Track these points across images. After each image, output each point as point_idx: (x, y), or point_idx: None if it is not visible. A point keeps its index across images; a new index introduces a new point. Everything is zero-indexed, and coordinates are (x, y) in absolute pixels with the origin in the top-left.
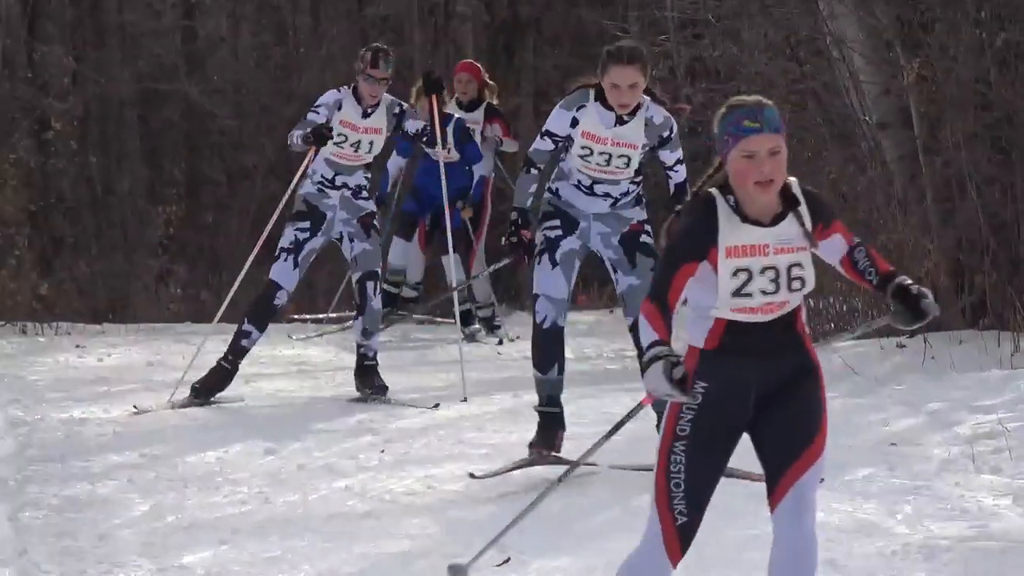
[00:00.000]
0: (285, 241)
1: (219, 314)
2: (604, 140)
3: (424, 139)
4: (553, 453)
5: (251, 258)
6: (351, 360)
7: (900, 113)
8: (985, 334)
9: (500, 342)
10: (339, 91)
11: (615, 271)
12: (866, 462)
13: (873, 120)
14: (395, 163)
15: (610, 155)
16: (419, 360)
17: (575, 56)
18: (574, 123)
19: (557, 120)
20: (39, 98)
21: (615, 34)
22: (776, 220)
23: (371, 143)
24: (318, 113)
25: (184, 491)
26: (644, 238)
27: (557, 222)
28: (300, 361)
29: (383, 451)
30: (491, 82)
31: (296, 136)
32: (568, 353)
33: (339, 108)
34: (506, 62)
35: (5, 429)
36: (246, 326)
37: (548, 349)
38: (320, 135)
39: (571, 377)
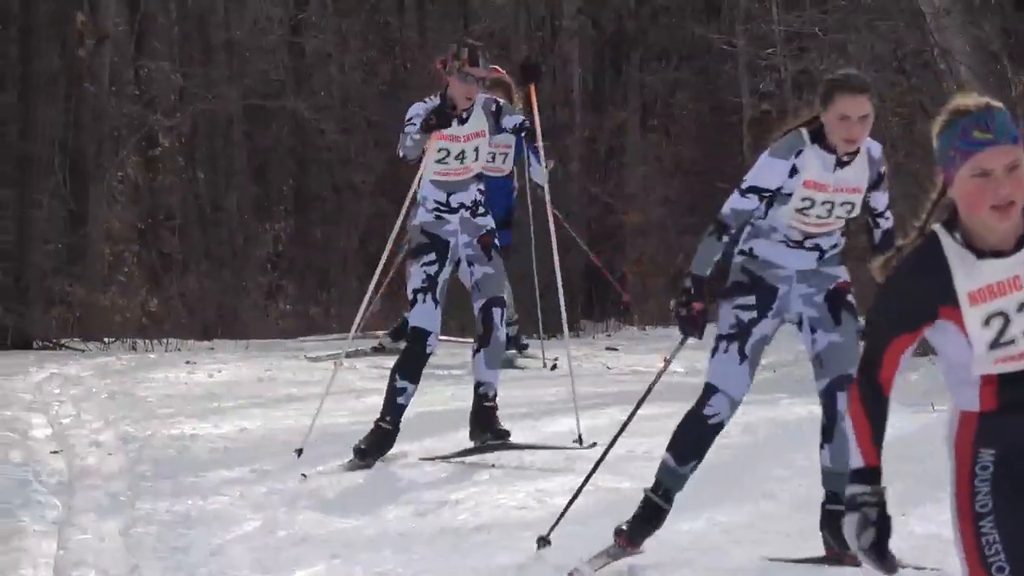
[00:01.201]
0: (416, 281)
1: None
2: (826, 187)
3: (523, 133)
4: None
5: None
6: (458, 373)
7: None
8: None
9: (553, 367)
10: (426, 101)
11: (813, 330)
12: None
13: None
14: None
15: (833, 204)
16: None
17: (682, 70)
18: (793, 172)
19: (768, 171)
20: (146, 115)
21: (722, 48)
22: (1020, 245)
23: (476, 150)
24: (415, 125)
25: (294, 505)
26: (850, 298)
27: (752, 299)
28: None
29: (494, 465)
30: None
31: (410, 136)
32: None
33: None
34: (613, 76)
35: (116, 445)
36: (399, 382)
37: (700, 446)
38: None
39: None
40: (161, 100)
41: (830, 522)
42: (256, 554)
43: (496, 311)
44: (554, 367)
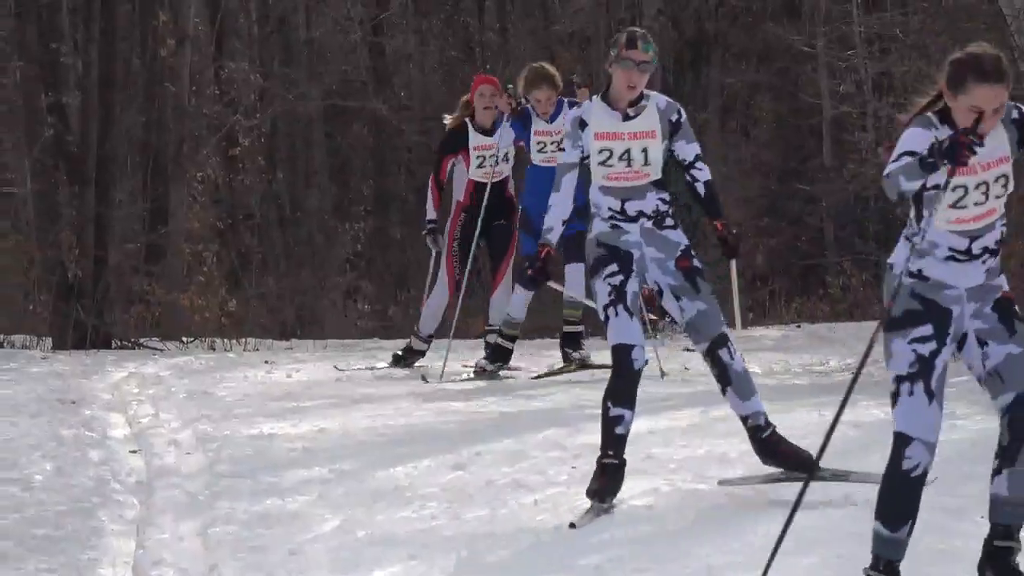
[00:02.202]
0: (602, 297)
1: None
2: (973, 168)
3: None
4: None
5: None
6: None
7: None
8: None
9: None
10: (579, 108)
11: (984, 344)
12: None
13: None
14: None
15: (987, 183)
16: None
17: (761, 71)
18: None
19: (914, 137)
20: (226, 115)
21: (802, 49)
22: None
23: (644, 151)
24: (565, 151)
25: (373, 506)
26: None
27: (929, 328)
28: (491, 379)
29: (574, 466)
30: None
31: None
32: (755, 367)
33: (583, 126)
34: (693, 78)
35: (195, 445)
36: (614, 411)
37: (909, 504)
38: (532, 281)
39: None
40: (241, 100)
41: (995, 560)
42: (334, 554)
43: (723, 352)
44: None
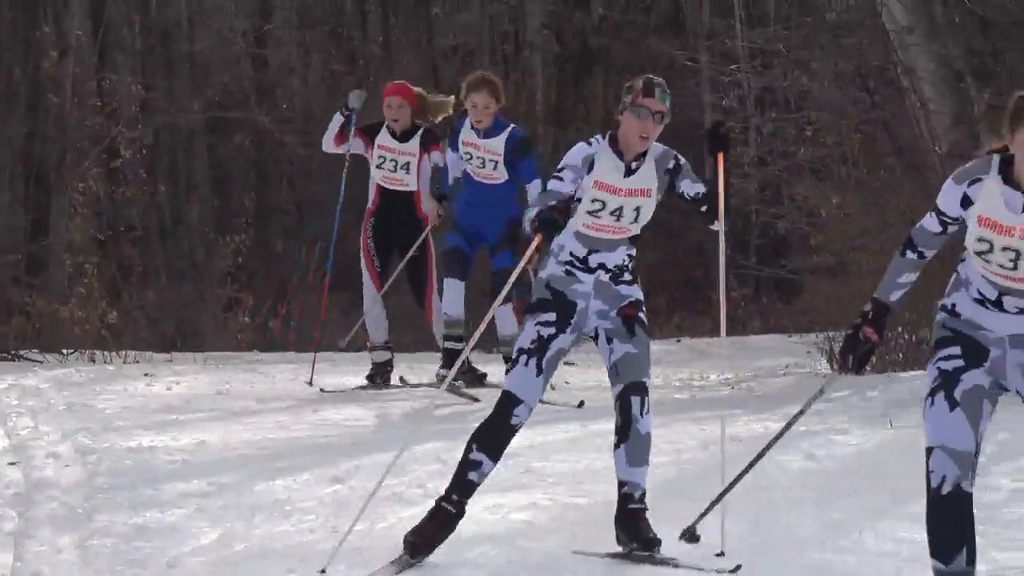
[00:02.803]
0: (525, 340)
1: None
2: (1011, 230)
3: (704, 208)
4: None
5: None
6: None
7: (970, 144)
8: None
9: (580, 404)
10: (590, 144)
11: None
12: None
13: (943, 150)
14: (452, 160)
15: (1019, 253)
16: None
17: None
18: (966, 202)
19: (945, 194)
20: (108, 127)
21: (685, 64)
22: None
23: (637, 210)
24: (562, 179)
25: (252, 519)
26: None
27: (957, 349)
28: (370, 391)
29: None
30: (438, 98)
31: (527, 219)
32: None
33: (590, 168)
34: (576, 92)
35: (74, 457)
36: (475, 454)
37: (950, 525)
38: (553, 223)
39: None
40: (123, 112)
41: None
42: (213, 567)
43: (636, 400)
44: (581, 404)
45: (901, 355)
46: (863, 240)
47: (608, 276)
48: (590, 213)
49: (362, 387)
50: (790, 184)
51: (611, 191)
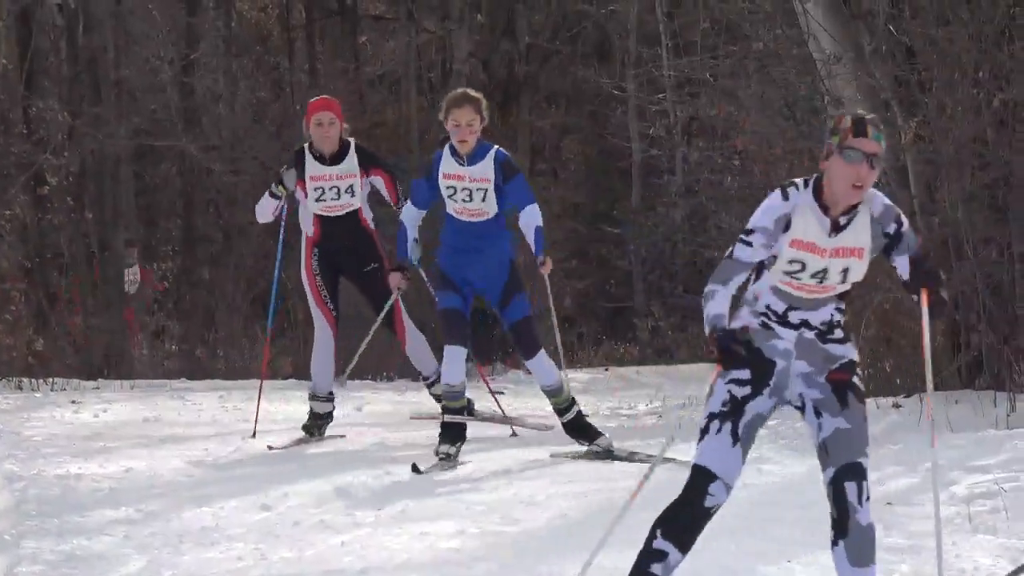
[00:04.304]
0: (715, 402)
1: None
2: (823, 252)
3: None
4: None
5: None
6: (347, 416)
7: (897, 172)
8: (981, 394)
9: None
10: (786, 195)
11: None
12: None
13: None
14: (411, 216)
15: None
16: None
17: (571, 114)
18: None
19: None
20: (35, 154)
21: (612, 92)
22: None
23: (844, 271)
24: (750, 244)
25: (180, 547)
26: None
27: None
28: (298, 418)
29: (380, 508)
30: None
31: (707, 313)
32: None
33: (786, 227)
34: (502, 120)
35: (1, 484)
36: (659, 542)
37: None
38: (734, 357)
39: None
40: (50, 139)
41: None
42: None
43: (852, 486)
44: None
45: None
46: None
47: (814, 334)
48: (788, 273)
49: (298, 440)
50: (717, 213)
51: (812, 250)
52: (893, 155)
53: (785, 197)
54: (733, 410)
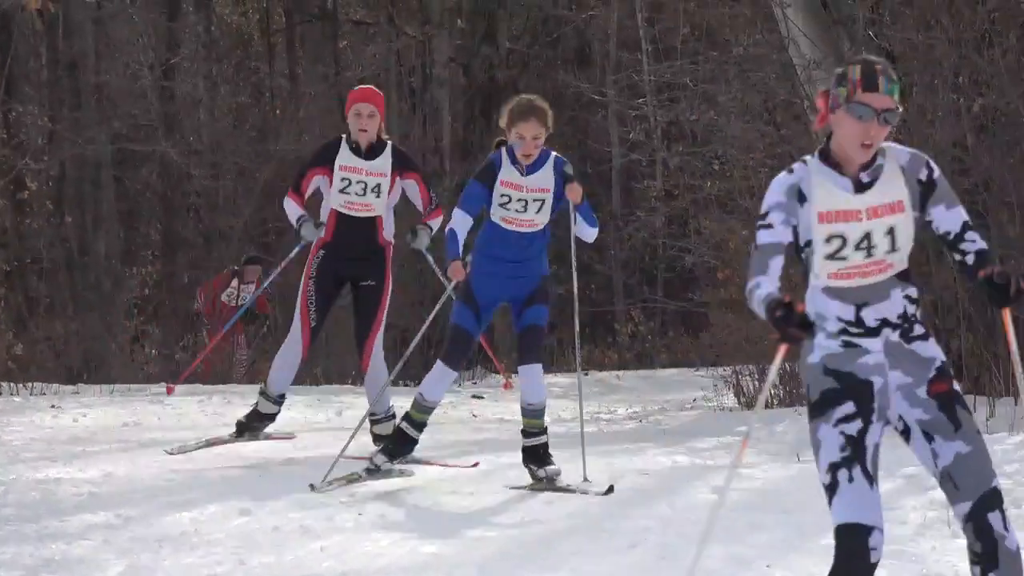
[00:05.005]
0: (831, 451)
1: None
2: (856, 215)
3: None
4: None
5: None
6: (326, 421)
7: None
8: None
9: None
10: (790, 171)
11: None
12: None
13: None
14: (462, 225)
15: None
16: None
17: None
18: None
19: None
20: (15, 158)
21: (592, 97)
22: None
23: (891, 231)
24: (771, 226)
25: (159, 552)
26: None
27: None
28: (282, 423)
29: (360, 513)
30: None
31: (757, 300)
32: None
33: (802, 199)
34: (483, 126)
35: None
36: None
37: None
38: (801, 329)
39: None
40: (30, 143)
41: None
42: None
43: (995, 516)
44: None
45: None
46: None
47: (897, 333)
48: (830, 257)
49: (229, 437)
50: (697, 218)
51: (846, 219)
52: None
53: (790, 171)
54: (855, 451)
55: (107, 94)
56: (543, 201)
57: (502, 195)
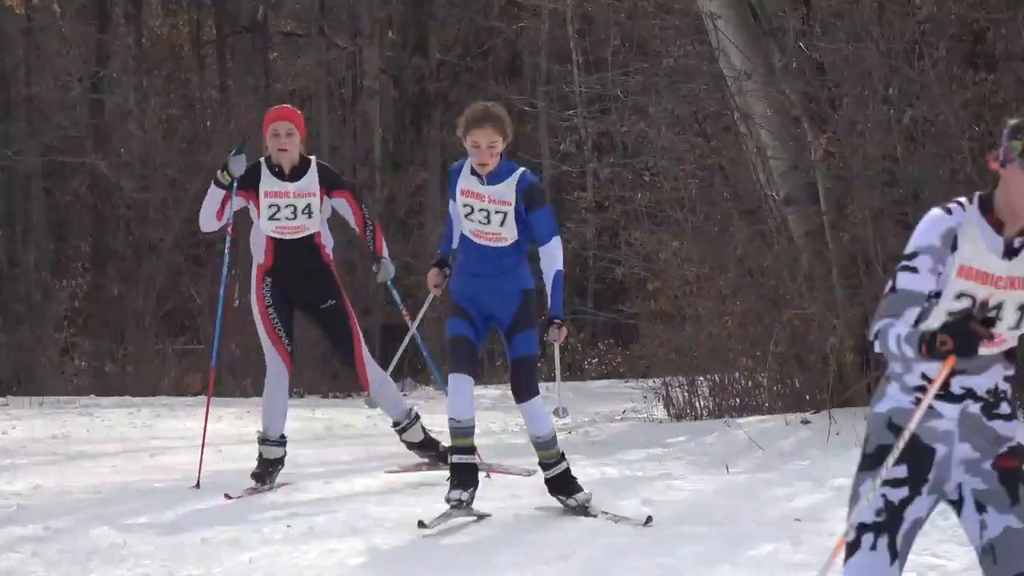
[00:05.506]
0: (865, 511)
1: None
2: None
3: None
4: None
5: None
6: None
7: (807, 189)
8: None
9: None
10: (949, 211)
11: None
12: (771, 537)
13: (780, 196)
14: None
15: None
16: None
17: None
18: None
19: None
20: None
21: (523, 109)
22: None
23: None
24: (916, 271)
25: (88, 564)
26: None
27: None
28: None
29: (289, 525)
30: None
31: (891, 340)
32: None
33: (953, 247)
34: (414, 136)
35: None
36: None
37: None
38: (974, 342)
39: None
40: None
41: None
42: None
43: None
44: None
45: (737, 400)
46: (700, 285)
47: (980, 406)
48: (953, 315)
49: (250, 489)
50: (627, 229)
51: (984, 281)
52: (803, 172)
53: (948, 211)
54: (890, 520)
55: (37, 106)
56: (505, 214)
57: (464, 205)
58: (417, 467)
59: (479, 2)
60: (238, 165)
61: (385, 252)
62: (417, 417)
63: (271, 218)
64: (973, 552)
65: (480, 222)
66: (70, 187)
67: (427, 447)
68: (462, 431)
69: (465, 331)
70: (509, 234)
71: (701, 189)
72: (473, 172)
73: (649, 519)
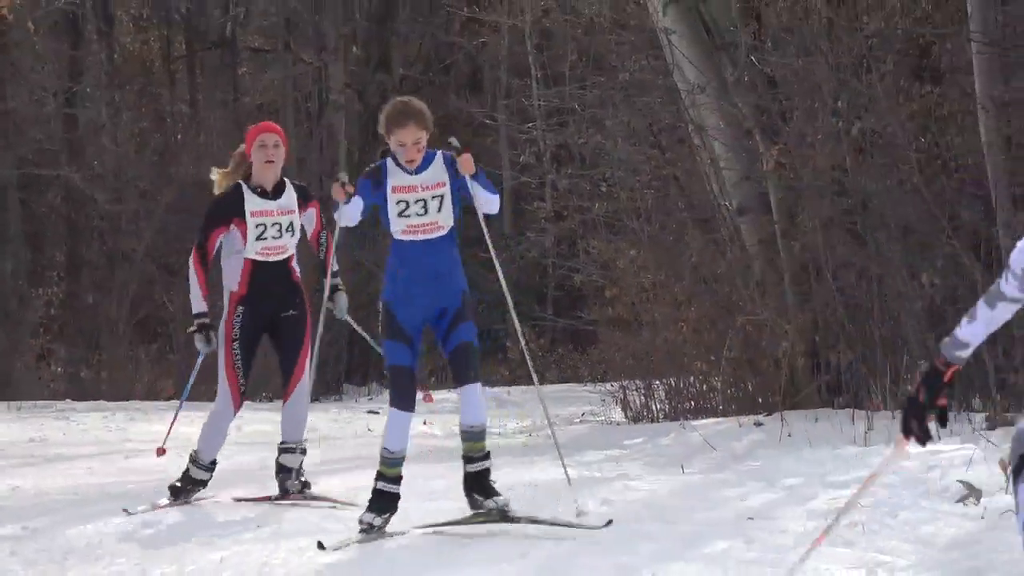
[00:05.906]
0: None
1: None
2: None
3: None
4: None
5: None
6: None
7: (759, 199)
8: (840, 412)
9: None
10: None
11: None
12: (724, 535)
13: (733, 205)
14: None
15: None
16: None
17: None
18: None
19: None
20: None
21: (483, 121)
22: None
23: None
24: (1008, 281)
25: (64, 563)
26: None
27: None
28: (174, 437)
29: (259, 525)
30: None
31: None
32: (436, 430)
33: None
34: (377, 148)
35: None
36: None
37: None
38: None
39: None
40: None
41: None
42: None
43: None
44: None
45: (692, 403)
46: (656, 292)
47: None
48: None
49: (156, 505)
50: (585, 238)
51: None
52: (755, 182)
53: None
54: None
55: (12, 120)
56: (442, 197)
57: (398, 202)
58: (266, 497)
59: (440, 18)
60: (202, 346)
61: (335, 265)
62: (304, 452)
63: (258, 238)
64: (921, 549)
65: (417, 214)
66: (45, 199)
67: (290, 478)
68: (392, 461)
69: (406, 360)
70: (446, 221)
71: (657, 199)
72: (399, 166)
73: (609, 522)
